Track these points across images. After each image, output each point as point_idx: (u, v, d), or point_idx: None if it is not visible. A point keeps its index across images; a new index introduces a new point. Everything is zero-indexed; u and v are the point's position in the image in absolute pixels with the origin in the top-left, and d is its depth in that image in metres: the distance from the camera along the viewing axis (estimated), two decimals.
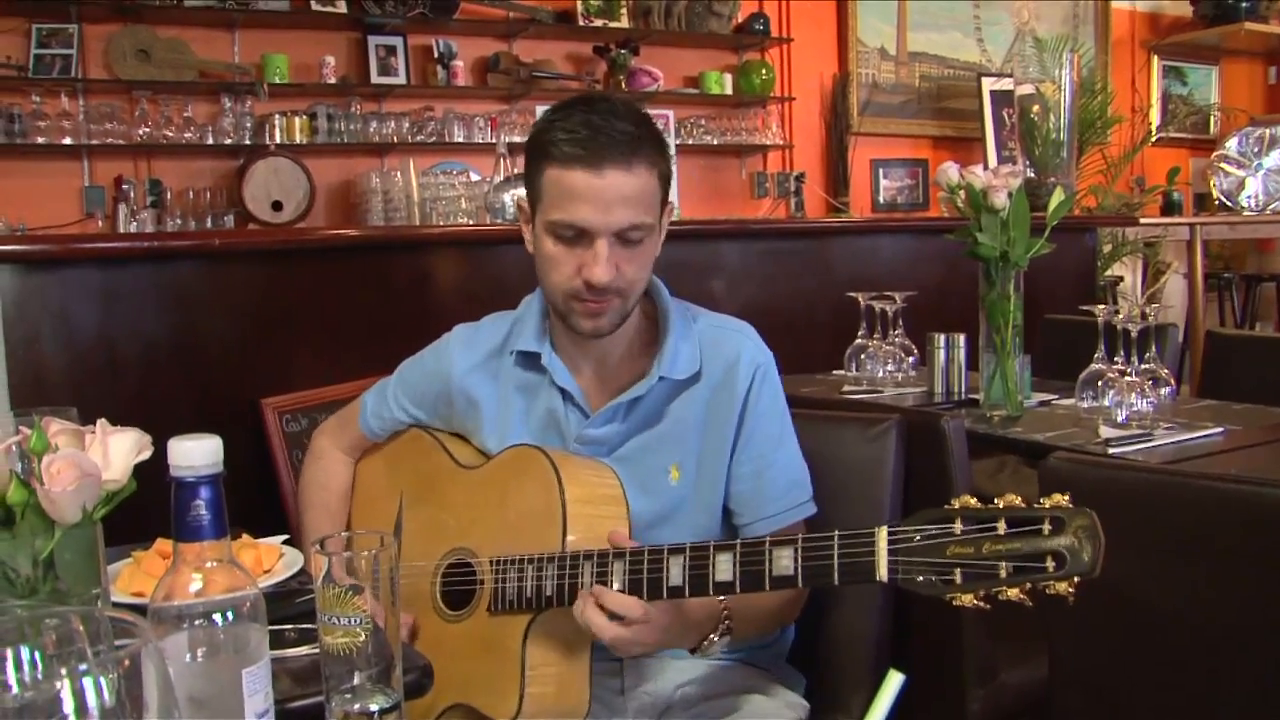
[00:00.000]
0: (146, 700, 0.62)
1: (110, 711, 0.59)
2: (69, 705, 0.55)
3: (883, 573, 1.26)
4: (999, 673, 1.99)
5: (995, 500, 1.23)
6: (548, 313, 1.72)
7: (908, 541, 1.25)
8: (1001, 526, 1.20)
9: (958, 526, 1.22)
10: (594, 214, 1.53)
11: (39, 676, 0.58)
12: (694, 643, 1.54)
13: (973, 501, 1.23)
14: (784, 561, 1.34)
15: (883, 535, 1.26)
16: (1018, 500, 1.22)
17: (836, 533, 1.31)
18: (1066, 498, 1.20)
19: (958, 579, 1.21)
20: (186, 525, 0.85)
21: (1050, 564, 1.17)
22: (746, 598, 1.54)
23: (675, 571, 1.40)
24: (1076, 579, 1.17)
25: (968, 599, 1.20)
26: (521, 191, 1.66)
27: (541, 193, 1.58)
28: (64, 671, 0.56)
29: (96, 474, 1.02)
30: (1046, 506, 1.20)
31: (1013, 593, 1.19)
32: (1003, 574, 1.19)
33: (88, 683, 0.55)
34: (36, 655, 0.60)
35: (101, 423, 1.08)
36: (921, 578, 1.23)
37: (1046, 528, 1.18)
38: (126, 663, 0.57)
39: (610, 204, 1.53)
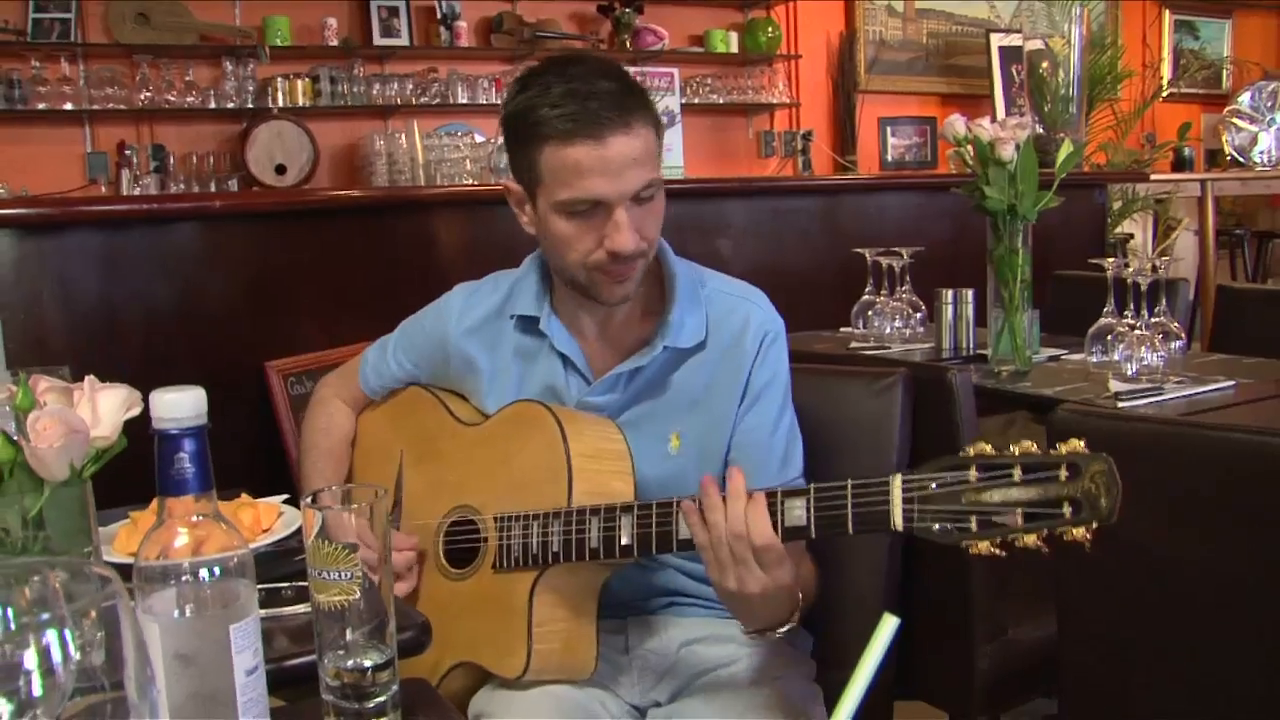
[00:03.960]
0: (125, 655, 0.60)
1: (85, 667, 0.58)
2: (31, 662, 0.53)
3: (898, 521, 1.24)
4: (1007, 629, 1.97)
5: (1011, 446, 1.20)
6: (548, 275, 1.69)
7: (923, 489, 1.23)
8: (1017, 473, 1.18)
9: (973, 474, 1.20)
10: (607, 184, 1.48)
11: (11, 629, 0.56)
12: (763, 625, 1.49)
13: (987, 448, 1.21)
14: (796, 512, 1.32)
15: (897, 483, 1.25)
16: (1033, 447, 1.20)
17: (849, 481, 1.29)
18: (1082, 444, 1.18)
19: (974, 527, 1.19)
20: (170, 479, 0.83)
21: (1067, 510, 1.15)
22: (808, 581, 1.54)
23: (685, 525, 1.38)
24: (1094, 525, 1.15)
25: (984, 546, 1.19)
26: (503, 169, 1.61)
27: (542, 174, 1.52)
28: (27, 623, 0.54)
29: (84, 430, 1.01)
30: (1063, 453, 1.18)
31: (1029, 540, 1.17)
32: (1019, 521, 1.17)
33: (52, 636, 0.53)
34: (9, 612, 0.59)
35: (90, 379, 1.06)
36: (937, 526, 1.21)
37: (1063, 474, 1.16)
38: (93, 614, 0.56)
39: (620, 170, 1.48)
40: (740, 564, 1.35)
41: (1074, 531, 1.15)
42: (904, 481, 1.24)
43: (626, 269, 1.55)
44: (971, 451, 1.21)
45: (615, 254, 1.51)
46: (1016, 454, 1.19)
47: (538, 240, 1.63)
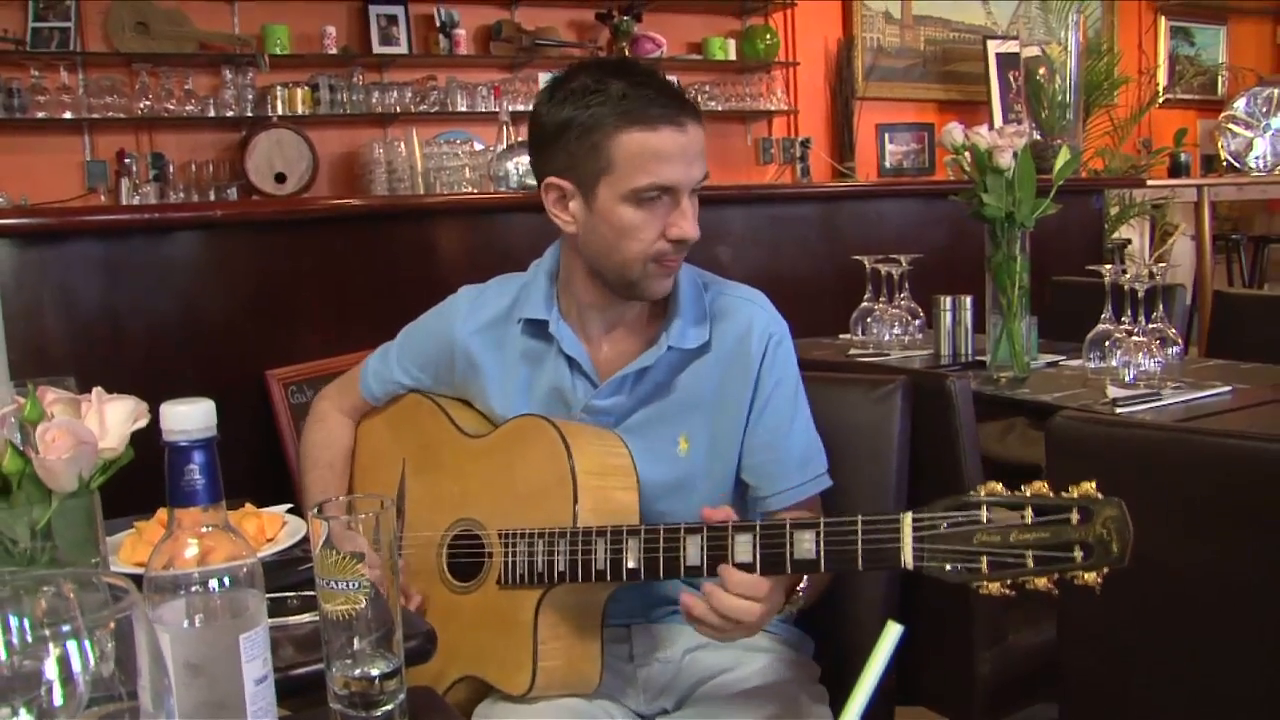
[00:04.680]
0: (139, 665, 0.61)
1: (98, 677, 0.58)
2: (52, 672, 0.54)
3: (908, 560, 1.25)
4: (1008, 634, 1.98)
5: (1022, 487, 1.21)
6: (556, 278, 1.69)
7: (933, 528, 1.23)
8: (1029, 515, 1.19)
9: (984, 514, 1.21)
10: (681, 171, 1.53)
11: (28, 640, 0.57)
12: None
13: (999, 488, 1.22)
14: (806, 545, 1.32)
15: (908, 521, 1.25)
16: (1045, 488, 1.20)
17: (860, 517, 1.29)
18: (1094, 485, 1.18)
19: (984, 568, 1.20)
20: (180, 490, 0.84)
21: (1078, 554, 1.16)
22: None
23: (692, 551, 1.38)
24: (1105, 570, 1.15)
25: (994, 588, 1.19)
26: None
27: (613, 162, 1.52)
28: (47, 634, 0.55)
29: (92, 441, 1.01)
30: (1075, 495, 1.18)
31: (1040, 582, 1.18)
32: (1030, 563, 1.17)
33: (71, 646, 0.54)
34: (25, 623, 0.59)
35: (97, 391, 1.06)
36: (949, 566, 1.22)
37: (1074, 517, 1.17)
38: (112, 625, 0.56)
39: (692, 158, 1.54)
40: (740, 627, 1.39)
41: (1085, 576, 1.16)
42: (915, 520, 1.25)
43: (678, 259, 1.59)
44: (983, 491, 1.22)
45: (679, 241, 1.55)
46: (1028, 495, 1.20)
47: (578, 237, 1.60)
